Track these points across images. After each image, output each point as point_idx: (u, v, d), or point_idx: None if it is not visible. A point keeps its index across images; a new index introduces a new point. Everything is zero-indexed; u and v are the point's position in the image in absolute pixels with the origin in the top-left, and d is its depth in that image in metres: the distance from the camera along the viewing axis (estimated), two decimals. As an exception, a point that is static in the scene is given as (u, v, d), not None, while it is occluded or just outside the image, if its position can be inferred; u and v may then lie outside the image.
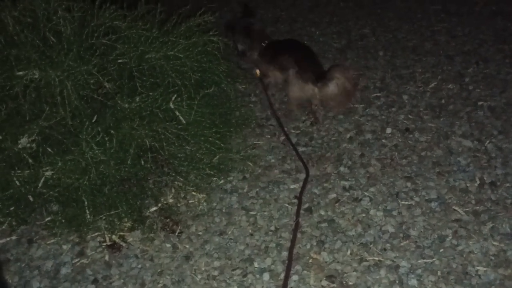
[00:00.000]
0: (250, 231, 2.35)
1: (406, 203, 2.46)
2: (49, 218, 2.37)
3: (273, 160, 2.77)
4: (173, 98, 2.60)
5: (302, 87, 3.00)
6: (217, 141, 2.68)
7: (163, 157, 2.58)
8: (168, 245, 2.30)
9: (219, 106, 2.94)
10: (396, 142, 2.85)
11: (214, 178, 2.62)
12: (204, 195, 2.53)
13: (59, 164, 2.32)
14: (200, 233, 2.35)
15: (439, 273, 2.12)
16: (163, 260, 2.23)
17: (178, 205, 2.49)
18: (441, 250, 2.21)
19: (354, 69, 3.45)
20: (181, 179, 2.57)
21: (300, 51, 3.12)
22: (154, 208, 2.45)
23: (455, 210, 2.40)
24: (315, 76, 2.96)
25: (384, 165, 2.70)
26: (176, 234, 2.34)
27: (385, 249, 2.24)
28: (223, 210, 2.47)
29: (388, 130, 2.94)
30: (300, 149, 2.83)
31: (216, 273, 2.16)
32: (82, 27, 2.59)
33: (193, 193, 2.53)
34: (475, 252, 2.20)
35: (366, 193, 2.52)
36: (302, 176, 2.65)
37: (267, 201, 2.51)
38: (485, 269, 2.12)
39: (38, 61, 2.42)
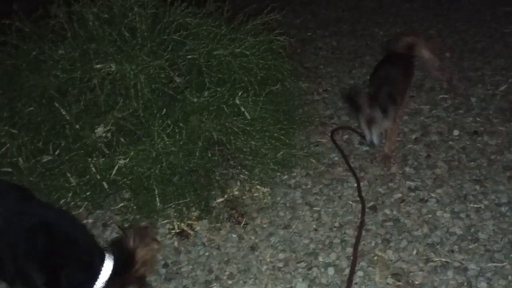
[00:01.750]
0: (314, 226, 2.37)
1: (475, 206, 2.40)
2: (122, 204, 2.48)
3: (336, 158, 2.77)
4: (239, 94, 2.66)
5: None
6: (281, 137, 2.72)
7: (229, 150, 2.65)
8: (234, 235, 2.35)
9: (283, 104, 2.97)
10: (463, 145, 2.78)
11: (278, 173, 2.66)
12: (268, 189, 2.56)
13: (132, 153, 2.43)
14: (265, 225, 2.39)
15: (510, 277, 2.05)
16: (229, 249, 2.28)
17: (243, 197, 2.54)
18: (512, 255, 2.15)
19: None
20: (246, 172, 2.62)
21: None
22: (221, 199, 2.51)
23: (527, 215, 2.32)
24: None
25: (451, 167, 2.64)
26: (242, 225, 2.39)
27: (452, 251, 2.19)
28: (287, 205, 2.49)
29: (455, 132, 2.87)
30: (364, 148, 2.82)
31: (281, 264, 2.19)
32: (155, 24, 2.70)
33: (258, 186, 2.57)
34: (549, 259, 2.12)
35: (432, 194, 2.48)
36: (366, 175, 2.64)
37: (331, 198, 2.52)
38: (560, 276, 2.04)
39: (115, 55, 2.55)
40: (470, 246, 2.21)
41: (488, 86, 3.23)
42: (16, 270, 1.75)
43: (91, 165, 2.41)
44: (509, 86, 3.19)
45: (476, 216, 2.35)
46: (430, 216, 2.37)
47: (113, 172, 2.42)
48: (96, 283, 1.72)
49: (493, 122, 2.92)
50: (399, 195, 2.50)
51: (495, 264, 2.12)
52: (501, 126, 2.88)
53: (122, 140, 2.53)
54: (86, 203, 2.44)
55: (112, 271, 1.72)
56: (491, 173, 2.58)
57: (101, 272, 1.72)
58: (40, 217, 1.82)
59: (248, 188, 2.57)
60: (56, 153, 2.48)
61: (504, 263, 2.11)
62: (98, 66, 2.53)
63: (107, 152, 2.48)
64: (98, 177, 2.41)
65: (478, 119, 2.96)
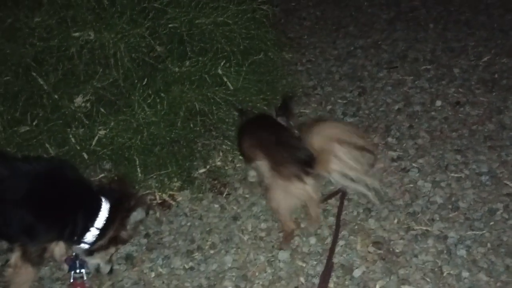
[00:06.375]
0: (297, 196, 2.37)
1: (456, 175, 2.42)
2: (102, 175, 2.45)
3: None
4: (222, 64, 2.62)
5: (286, 189, 2.01)
6: (264, 107, 2.70)
7: (212, 121, 2.62)
8: (216, 206, 2.34)
9: (266, 74, 2.94)
10: (446, 115, 2.78)
11: (261, 144, 2.63)
12: (251, 160, 2.55)
13: (112, 124, 2.40)
14: (247, 195, 2.38)
15: (488, 245, 2.08)
16: (211, 219, 2.28)
17: (226, 168, 2.53)
18: (492, 223, 2.17)
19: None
20: (229, 143, 2.60)
21: (268, 134, 2.12)
22: (203, 170, 2.50)
23: (506, 184, 2.35)
24: (300, 166, 1.99)
25: (433, 137, 2.65)
26: (224, 195, 2.38)
27: (433, 220, 2.21)
28: (270, 175, 2.48)
29: (438, 103, 2.87)
30: (348, 119, 2.81)
31: (263, 234, 2.19)
32: (135, -9, 2.62)
33: (240, 157, 2.55)
34: (527, 227, 2.15)
35: (414, 164, 2.49)
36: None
37: (314, 168, 2.51)
38: (536, 243, 2.07)
39: (93, 23, 2.48)
40: (450, 215, 2.23)
41: (471, 57, 3.23)
42: (20, 225, 1.79)
43: (71, 136, 2.37)
44: (491, 57, 3.19)
45: (456, 186, 2.37)
46: (411, 185, 2.38)
47: (93, 143, 2.39)
48: (96, 222, 1.88)
49: (475, 93, 2.93)
50: (381, 165, 2.50)
51: (474, 232, 2.15)
52: (483, 97, 2.89)
53: (102, 110, 2.49)
54: (65, 174, 2.40)
55: (109, 210, 1.90)
56: (472, 143, 2.59)
57: (100, 213, 1.88)
58: (44, 167, 1.88)
59: (230, 159, 2.56)
60: (34, 123, 2.43)
61: (483, 231, 2.14)
62: (76, 34, 2.47)
63: (87, 122, 2.44)
64: (78, 148, 2.37)
65: (460, 90, 2.96)
